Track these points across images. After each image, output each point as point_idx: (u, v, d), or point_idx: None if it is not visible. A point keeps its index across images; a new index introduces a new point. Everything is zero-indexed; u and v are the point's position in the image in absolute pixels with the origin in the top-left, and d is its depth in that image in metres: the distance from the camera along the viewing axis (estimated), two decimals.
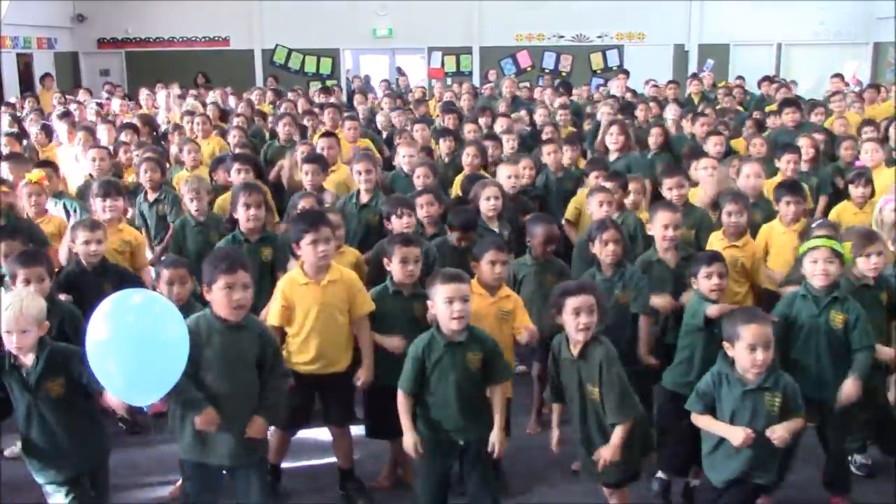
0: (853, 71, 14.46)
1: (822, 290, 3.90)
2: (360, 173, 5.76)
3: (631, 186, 5.62)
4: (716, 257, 4.11)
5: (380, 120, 9.76)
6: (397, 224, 4.86)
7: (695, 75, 13.79)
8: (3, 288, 3.91)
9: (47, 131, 8.69)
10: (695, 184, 5.93)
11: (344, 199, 5.82)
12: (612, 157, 7.11)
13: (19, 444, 3.68)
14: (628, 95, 11.21)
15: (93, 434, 3.57)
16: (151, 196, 6.15)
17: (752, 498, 3.59)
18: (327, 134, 7.16)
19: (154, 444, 4.79)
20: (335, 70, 18.73)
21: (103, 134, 8.18)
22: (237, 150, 7.37)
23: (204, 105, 10.46)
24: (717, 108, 10.16)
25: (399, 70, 17.32)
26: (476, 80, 16.80)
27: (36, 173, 5.63)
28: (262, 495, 3.55)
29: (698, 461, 3.79)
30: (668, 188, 5.41)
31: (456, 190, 6.27)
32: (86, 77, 18.39)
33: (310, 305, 3.95)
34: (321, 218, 4.09)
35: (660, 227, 4.55)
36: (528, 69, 18.28)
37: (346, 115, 8.86)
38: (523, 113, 9.58)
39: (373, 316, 4.08)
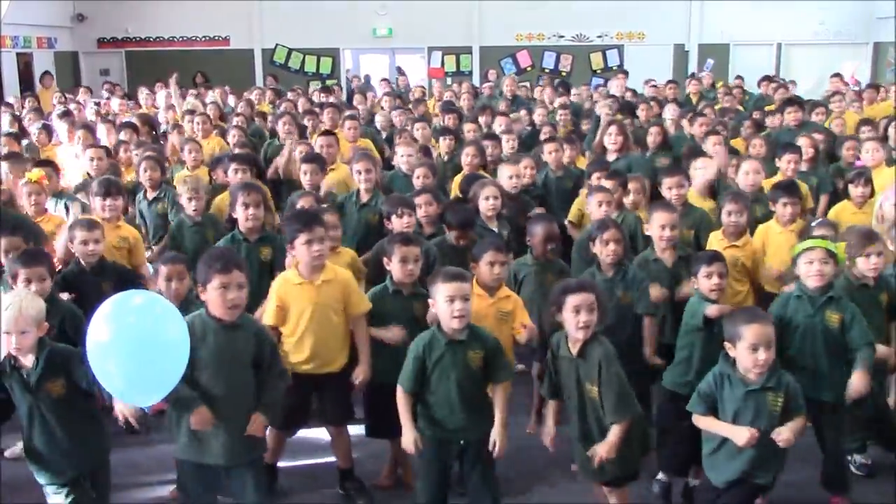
0: (852, 71, 14.46)
1: (817, 290, 3.90)
2: (359, 173, 5.76)
3: (631, 186, 5.62)
4: (716, 257, 4.11)
5: (379, 119, 9.74)
6: (397, 223, 4.86)
7: (693, 75, 13.78)
8: (2, 287, 3.91)
9: (48, 131, 8.69)
10: None
11: (344, 199, 5.83)
12: (611, 157, 7.11)
13: (20, 444, 3.68)
14: (628, 95, 11.20)
15: (93, 434, 3.57)
16: (151, 195, 6.16)
17: (751, 498, 3.59)
18: (326, 133, 7.16)
19: (154, 444, 4.78)
20: (335, 70, 18.71)
21: (103, 133, 8.20)
22: (237, 150, 7.37)
23: (204, 105, 10.46)
24: (717, 107, 10.15)
25: (399, 70, 17.29)
26: (476, 80, 16.77)
27: (35, 172, 5.63)
28: (258, 494, 3.54)
29: (698, 461, 3.79)
30: (668, 188, 5.40)
31: (455, 190, 6.28)
32: (86, 77, 18.36)
33: (304, 305, 3.95)
34: (315, 218, 4.09)
35: (657, 227, 4.56)
36: (528, 69, 18.24)
37: (346, 114, 8.85)
38: (523, 113, 9.57)
39: (372, 315, 4.08)
